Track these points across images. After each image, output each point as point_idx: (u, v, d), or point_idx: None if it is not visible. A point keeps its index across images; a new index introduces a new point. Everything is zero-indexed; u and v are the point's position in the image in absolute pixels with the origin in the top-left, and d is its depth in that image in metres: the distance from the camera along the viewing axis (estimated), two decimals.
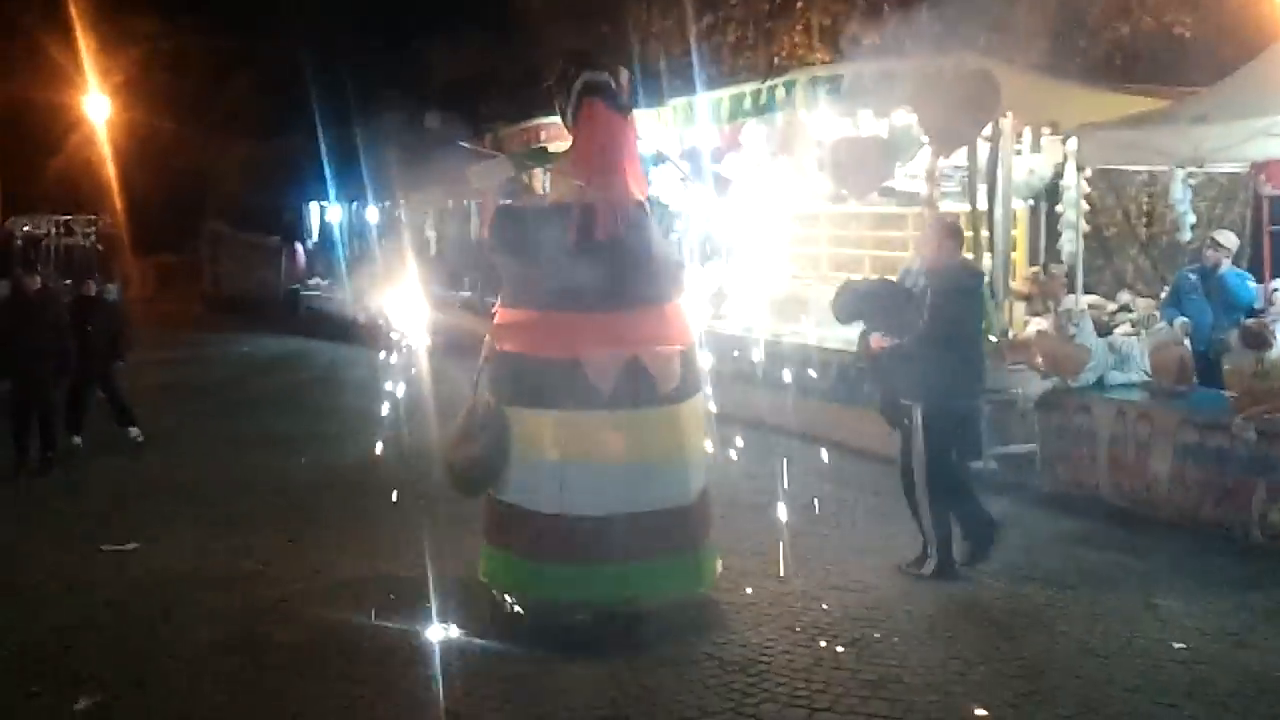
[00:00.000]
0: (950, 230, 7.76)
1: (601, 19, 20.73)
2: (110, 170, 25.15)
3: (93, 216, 23.54)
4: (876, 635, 6.37)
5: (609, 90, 6.48)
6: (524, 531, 6.39)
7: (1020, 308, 11.94)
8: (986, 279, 12.46)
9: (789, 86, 12.23)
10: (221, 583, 7.42)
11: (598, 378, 6.23)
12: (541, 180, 11.80)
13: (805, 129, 12.80)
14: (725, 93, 13.25)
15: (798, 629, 6.50)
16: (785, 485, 8.56)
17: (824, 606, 6.82)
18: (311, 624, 6.66)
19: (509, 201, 7.62)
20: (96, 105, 26.85)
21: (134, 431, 11.91)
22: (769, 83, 12.51)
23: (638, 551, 6.30)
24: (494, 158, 8.05)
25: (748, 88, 12.90)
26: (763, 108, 12.71)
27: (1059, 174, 12.59)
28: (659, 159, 7.83)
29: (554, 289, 6.35)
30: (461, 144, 8.62)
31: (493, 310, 6.87)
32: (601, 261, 6.29)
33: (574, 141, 6.60)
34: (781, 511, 7.78)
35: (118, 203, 24.88)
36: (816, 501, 8.80)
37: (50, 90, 26.82)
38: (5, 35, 27.10)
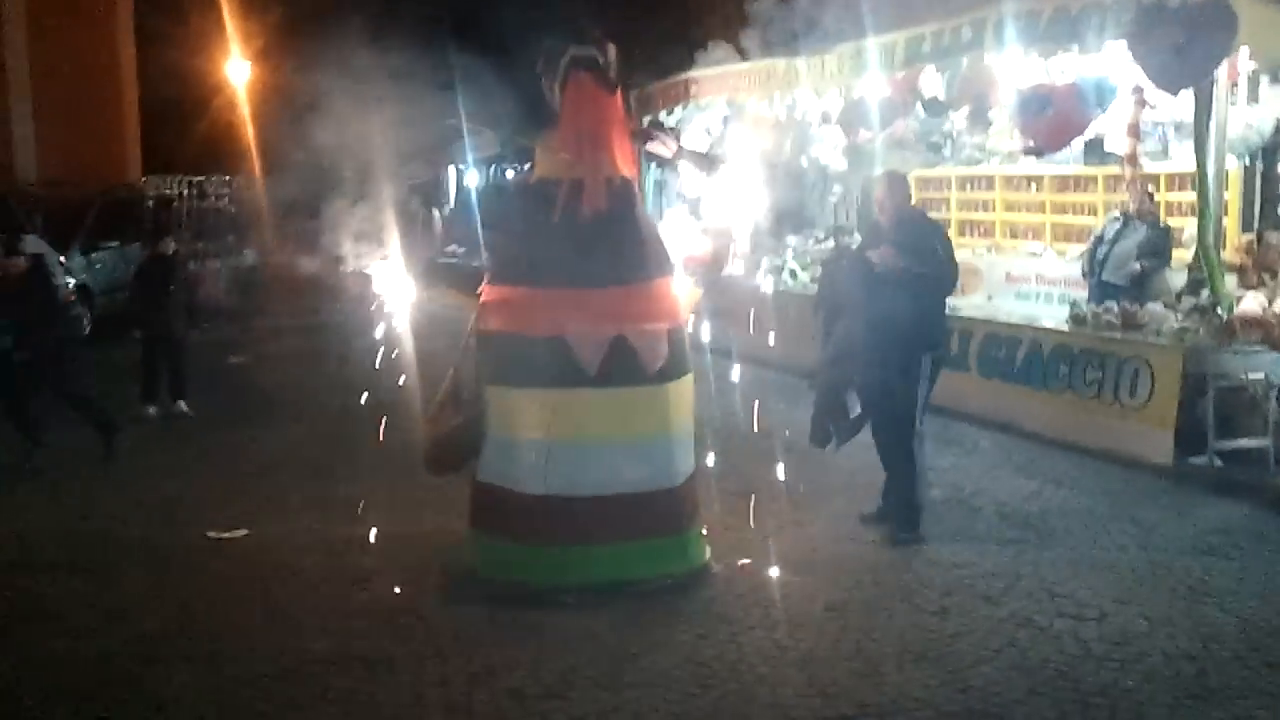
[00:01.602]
0: (901, 179, 7.65)
1: None
2: (250, 133, 24.76)
3: (228, 178, 23.14)
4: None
5: (596, 64, 6.42)
6: (508, 513, 6.27)
7: (1231, 280, 10.36)
8: (1194, 247, 11.10)
9: (978, 25, 10.81)
10: (337, 582, 6.49)
11: (583, 355, 6.16)
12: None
13: (991, 73, 11.41)
14: (901, 35, 11.85)
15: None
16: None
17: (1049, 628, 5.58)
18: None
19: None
20: (238, 69, 26.60)
21: (182, 405, 11.41)
22: (953, 21, 11.09)
23: (625, 533, 6.22)
24: (481, 133, 7.79)
25: (927, 28, 11.49)
26: (944, 50, 11.33)
27: None
28: (646, 135, 7.66)
29: (539, 265, 6.30)
30: (449, 121, 8.02)
31: (479, 290, 6.65)
32: (587, 237, 6.23)
33: (560, 116, 6.45)
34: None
35: (256, 167, 24.48)
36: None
37: (193, 55, 26.67)
38: (155, 17, 27.08)
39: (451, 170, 26.07)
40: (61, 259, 14.67)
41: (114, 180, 21.57)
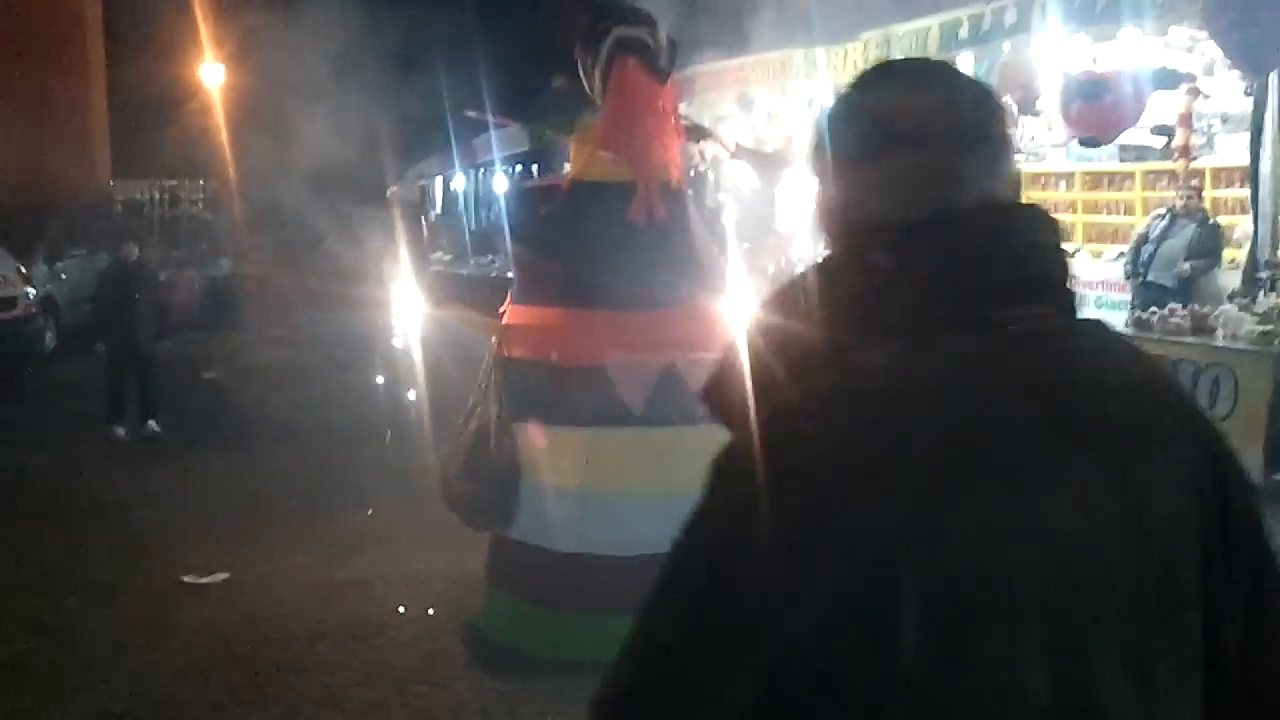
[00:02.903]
0: None
1: None
2: (224, 137, 23.74)
3: (201, 182, 22.05)
4: None
5: (645, 48, 5.45)
6: (536, 574, 5.32)
7: None
8: (1244, 248, 10.29)
9: (1023, 6, 9.94)
10: (335, 637, 5.49)
11: (626, 389, 5.25)
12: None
13: (1033, 61, 10.57)
14: (934, 20, 10.99)
15: None
16: None
17: None
18: None
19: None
20: (211, 72, 25.62)
21: (153, 425, 10.36)
22: (996, 3, 10.22)
23: None
24: (505, 127, 6.81)
25: (964, 11, 10.62)
26: (984, 35, 10.47)
27: None
28: (701, 133, 6.29)
29: (575, 282, 5.37)
30: (468, 113, 7.09)
31: (500, 310, 5.76)
32: (633, 251, 5.27)
33: (603, 107, 5.50)
34: None
35: (231, 172, 23.44)
36: None
37: (166, 57, 25.68)
38: (127, 18, 26.06)
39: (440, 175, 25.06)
40: (22, 268, 13.60)
41: (82, 184, 20.48)
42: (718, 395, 1.28)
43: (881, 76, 1.30)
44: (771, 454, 1.12)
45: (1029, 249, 1.21)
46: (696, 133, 6.13)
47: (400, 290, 6.19)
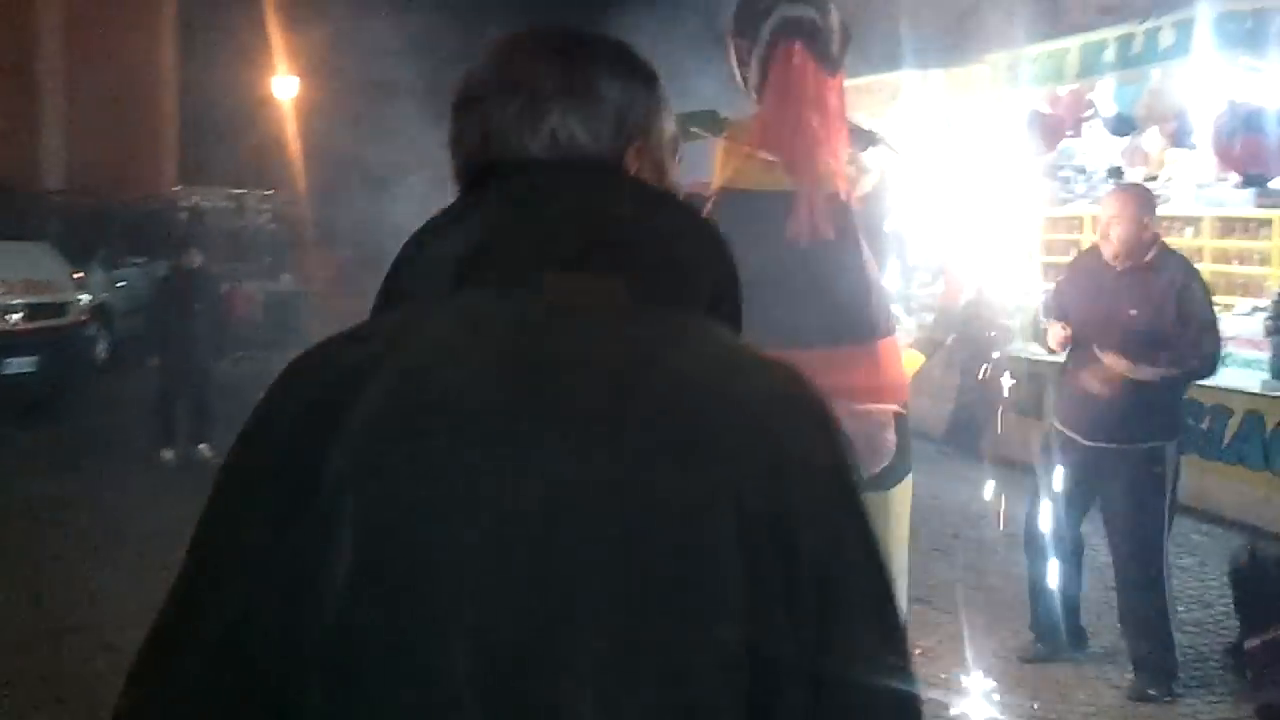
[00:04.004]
0: (1148, 198, 5.67)
1: None
2: (295, 150, 23.21)
3: (269, 193, 21.48)
4: None
5: (815, 30, 4.32)
6: None
7: None
8: None
9: (1184, 28, 8.94)
10: None
11: None
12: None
13: (1188, 88, 9.56)
14: (1074, 41, 10.00)
15: None
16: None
17: None
18: None
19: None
20: (284, 84, 25.25)
21: (204, 449, 9.56)
22: (1149, 24, 9.22)
23: None
24: None
25: (1111, 32, 9.63)
26: (1134, 59, 9.46)
27: None
28: (870, 138, 5.05)
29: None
30: None
31: None
32: (792, 276, 4.19)
33: (762, 100, 4.43)
34: None
35: (300, 186, 22.88)
36: None
37: (239, 66, 25.38)
38: (202, 24, 25.81)
39: None
40: (76, 273, 12.88)
41: (147, 187, 19.89)
42: None
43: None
44: (250, 419, 1.13)
45: (577, 215, 1.17)
46: (864, 138, 5.09)
47: None
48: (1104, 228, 5.31)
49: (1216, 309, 5.58)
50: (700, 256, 1.22)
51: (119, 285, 15.22)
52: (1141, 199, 5.47)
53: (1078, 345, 5.34)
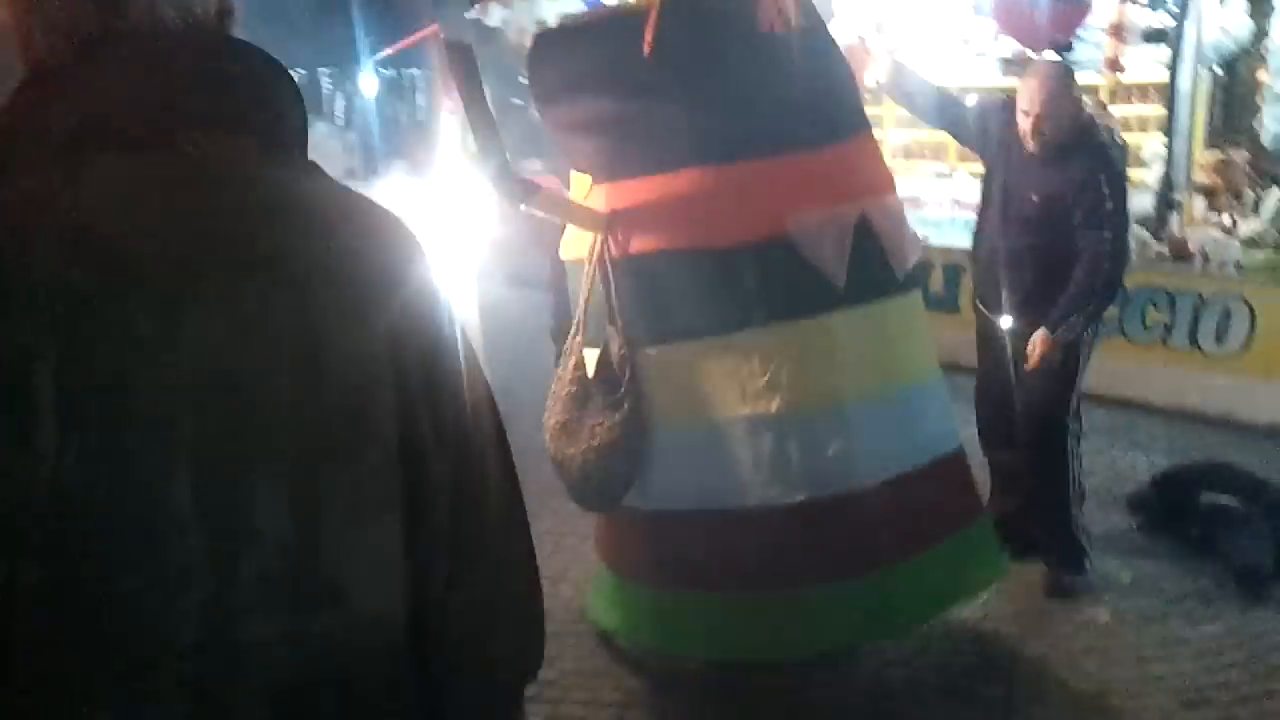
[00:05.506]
0: (1069, 73, 4.81)
1: None
2: None
3: None
4: None
5: None
6: (701, 549, 3.87)
7: (1199, 204, 9.50)
8: (1154, 166, 10.11)
9: None
10: None
11: (820, 256, 3.65)
12: None
13: None
14: None
15: None
16: None
17: None
18: None
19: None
20: None
21: None
22: None
23: (919, 539, 3.81)
24: None
25: None
26: None
27: (1262, 33, 10.62)
28: None
29: (707, 128, 3.68)
30: None
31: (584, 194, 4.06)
32: (780, 72, 3.68)
33: None
34: None
35: None
36: None
37: None
38: None
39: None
40: None
41: None
42: None
43: None
44: None
45: (204, 75, 1.22)
46: None
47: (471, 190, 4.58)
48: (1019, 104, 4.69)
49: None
50: (290, 101, 1.28)
51: None
52: (1055, 76, 4.74)
53: (983, 226, 5.00)
